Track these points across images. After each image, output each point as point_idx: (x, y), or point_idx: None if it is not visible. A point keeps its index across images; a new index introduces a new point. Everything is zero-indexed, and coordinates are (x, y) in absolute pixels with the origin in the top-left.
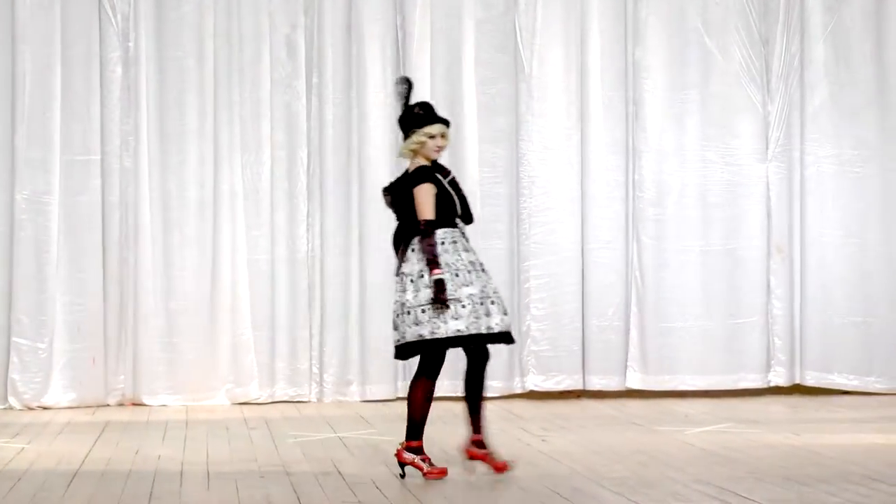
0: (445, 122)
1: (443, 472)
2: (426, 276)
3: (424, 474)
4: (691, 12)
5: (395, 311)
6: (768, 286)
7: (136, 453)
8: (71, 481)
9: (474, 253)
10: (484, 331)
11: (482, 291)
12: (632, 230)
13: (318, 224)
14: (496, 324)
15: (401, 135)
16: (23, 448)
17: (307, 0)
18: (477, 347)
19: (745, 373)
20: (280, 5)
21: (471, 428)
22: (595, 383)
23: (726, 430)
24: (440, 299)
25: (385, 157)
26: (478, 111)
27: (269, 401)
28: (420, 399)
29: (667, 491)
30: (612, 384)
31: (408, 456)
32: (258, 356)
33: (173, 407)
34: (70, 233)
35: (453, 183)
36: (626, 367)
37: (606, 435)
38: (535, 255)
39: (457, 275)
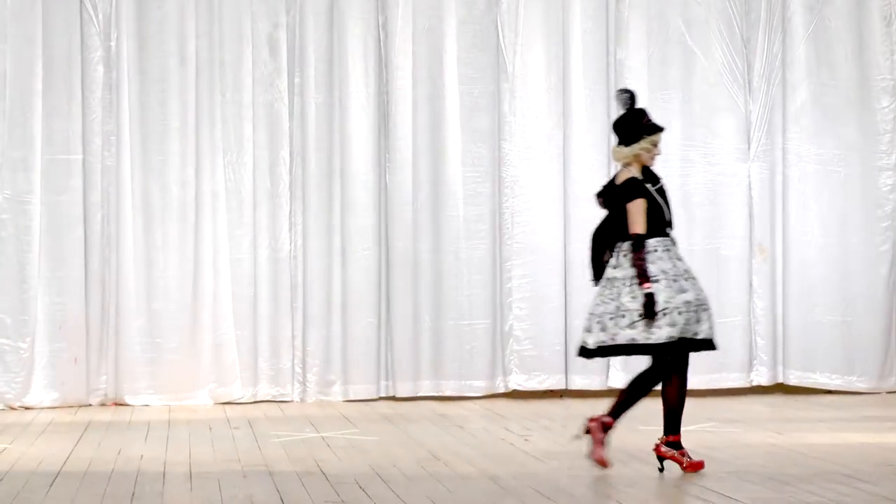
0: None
1: (700, 465)
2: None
3: (683, 467)
4: (673, 12)
5: (604, 313)
6: (750, 286)
7: (119, 453)
8: (53, 481)
9: (684, 261)
10: (690, 336)
11: (697, 298)
12: None
13: (300, 223)
14: (703, 330)
15: (614, 139)
16: (4, 448)
17: None
18: (682, 352)
19: (728, 372)
20: (262, 4)
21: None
22: (578, 383)
23: (709, 430)
24: (651, 312)
25: (367, 157)
26: (460, 111)
27: (252, 400)
28: (675, 395)
29: (649, 490)
30: (595, 384)
31: (666, 450)
32: (241, 356)
33: (156, 407)
34: (52, 232)
35: (661, 191)
36: (608, 366)
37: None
38: (517, 255)
39: (675, 280)
